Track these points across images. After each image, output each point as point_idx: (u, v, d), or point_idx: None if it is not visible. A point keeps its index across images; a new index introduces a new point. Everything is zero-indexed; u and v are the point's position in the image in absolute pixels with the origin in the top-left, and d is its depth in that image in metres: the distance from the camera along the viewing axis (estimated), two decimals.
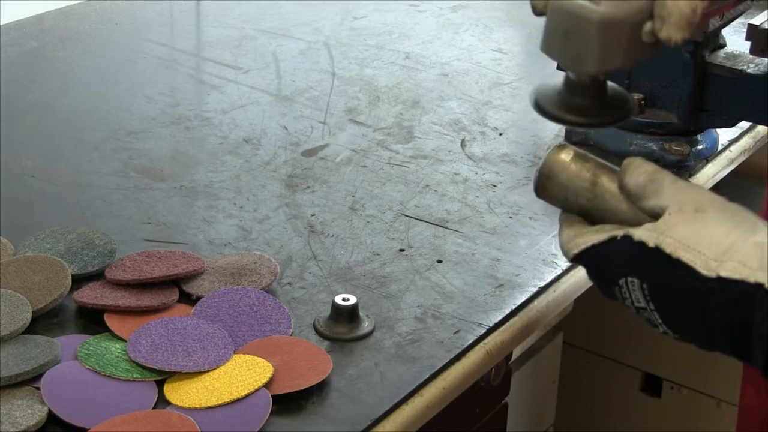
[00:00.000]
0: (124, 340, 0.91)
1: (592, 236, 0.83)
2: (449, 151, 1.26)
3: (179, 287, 0.98)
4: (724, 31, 1.18)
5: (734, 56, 1.17)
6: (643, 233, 0.79)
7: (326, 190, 1.17)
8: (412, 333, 0.95)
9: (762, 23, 1.13)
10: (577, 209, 0.87)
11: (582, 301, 1.14)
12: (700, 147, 1.22)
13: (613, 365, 1.86)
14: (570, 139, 1.24)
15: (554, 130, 1.28)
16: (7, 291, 0.94)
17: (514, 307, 0.99)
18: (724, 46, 1.18)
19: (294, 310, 0.97)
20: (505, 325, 0.97)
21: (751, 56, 1.15)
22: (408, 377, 0.90)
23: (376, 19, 1.63)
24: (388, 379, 0.90)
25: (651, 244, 0.78)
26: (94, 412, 0.84)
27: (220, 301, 0.96)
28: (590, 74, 0.85)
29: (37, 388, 0.85)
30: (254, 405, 0.85)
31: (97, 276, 0.99)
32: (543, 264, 1.05)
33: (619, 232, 0.81)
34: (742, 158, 1.29)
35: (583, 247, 0.83)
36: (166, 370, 0.88)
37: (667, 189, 0.80)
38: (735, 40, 1.19)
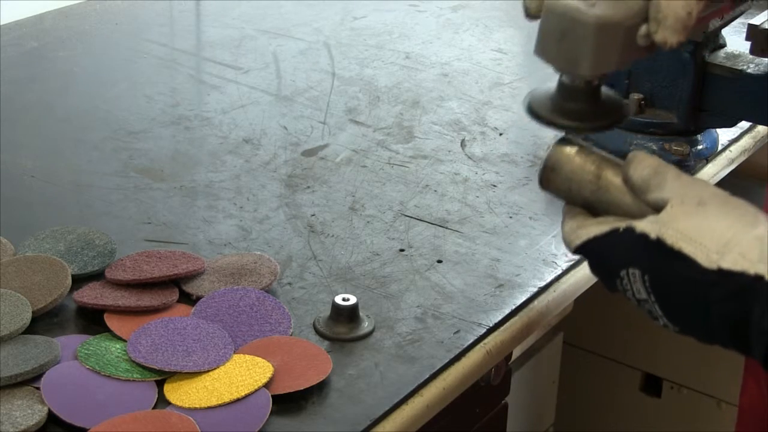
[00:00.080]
0: (124, 340, 0.91)
1: (594, 228, 0.84)
2: (449, 151, 1.26)
3: (179, 287, 0.98)
4: (724, 31, 1.18)
5: (734, 56, 1.17)
6: (645, 225, 0.80)
7: (326, 190, 1.17)
8: (412, 333, 0.95)
9: (762, 23, 1.13)
10: (580, 201, 0.87)
11: (582, 301, 1.14)
12: (700, 147, 1.22)
13: (613, 365, 1.86)
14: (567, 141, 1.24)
15: (555, 131, 1.28)
16: (7, 291, 0.94)
17: (514, 307, 0.99)
18: (724, 46, 1.18)
19: (294, 310, 0.97)
20: (505, 325, 0.98)
21: (751, 56, 1.15)
22: (408, 377, 0.90)
23: (376, 19, 1.63)
24: (388, 379, 0.90)
25: (653, 236, 0.79)
26: (94, 412, 0.84)
27: (220, 301, 0.96)
28: (585, 77, 0.85)
29: (37, 388, 0.85)
30: (254, 405, 0.85)
31: (97, 276, 0.99)
32: (543, 264, 1.05)
33: (621, 224, 0.81)
34: (742, 158, 1.29)
35: (585, 238, 0.84)
36: (166, 370, 0.88)
37: (670, 182, 0.81)
38: (735, 40, 1.19)
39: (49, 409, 0.83)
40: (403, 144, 1.27)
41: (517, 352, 1.28)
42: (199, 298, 0.97)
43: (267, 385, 0.87)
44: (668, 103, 1.18)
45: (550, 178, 0.88)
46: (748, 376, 1.33)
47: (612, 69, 0.83)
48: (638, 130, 1.19)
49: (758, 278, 0.74)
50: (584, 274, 1.04)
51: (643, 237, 0.79)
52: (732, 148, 1.28)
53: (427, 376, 0.90)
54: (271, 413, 0.85)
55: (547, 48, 0.83)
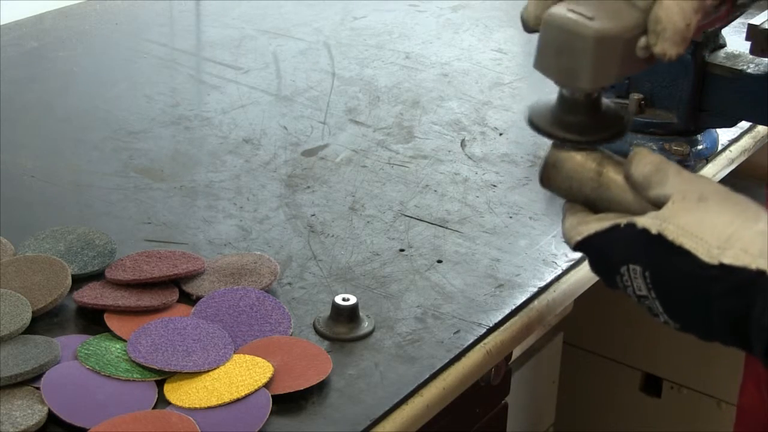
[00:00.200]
0: (124, 340, 0.91)
1: (595, 224, 0.84)
2: (449, 151, 1.26)
3: (179, 287, 0.98)
4: (724, 31, 1.18)
5: (734, 56, 1.17)
6: (646, 220, 0.80)
7: (326, 190, 1.17)
8: (412, 333, 0.95)
9: (762, 23, 1.13)
10: (581, 199, 0.87)
11: (582, 301, 1.14)
12: (700, 147, 1.22)
13: (613, 365, 1.86)
14: None
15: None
16: (7, 291, 0.94)
17: (514, 307, 0.99)
18: (724, 46, 1.18)
19: (294, 310, 0.97)
20: (505, 325, 0.98)
21: (751, 56, 1.15)
22: (408, 377, 0.90)
23: (376, 19, 1.63)
24: (388, 379, 0.90)
25: (654, 231, 0.79)
26: (94, 412, 0.84)
27: (220, 301, 0.96)
28: (585, 90, 0.84)
29: (37, 388, 0.85)
30: (254, 405, 0.85)
31: (97, 276, 0.99)
32: (543, 264, 1.05)
33: (622, 220, 0.82)
34: (742, 158, 1.29)
35: (585, 234, 0.84)
36: (166, 370, 0.88)
37: (671, 179, 0.81)
38: (735, 40, 1.19)
39: (49, 409, 0.83)
40: (403, 144, 1.27)
41: (517, 352, 1.28)
42: (199, 298, 0.97)
43: (267, 385, 0.87)
44: (668, 103, 1.18)
45: (550, 175, 0.88)
46: (747, 380, 1.33)
47: (612, 82, 0.83)
48: (638, 130, 1.19)
49: (760, 273, 0.74)
50: (584, 274, 1.04)
51: (644, 232, 0.79)
52: (732, 148, 1.28)
53: (427, 376, 0.90)
54: (271, 413, 0.85)
55: (546, 62, 0.83)
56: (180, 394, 0.86)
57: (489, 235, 1.10)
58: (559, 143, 0.88)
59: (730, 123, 1.22)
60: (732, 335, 0.77)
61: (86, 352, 0.89)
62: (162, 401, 0.86)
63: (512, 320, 0.98)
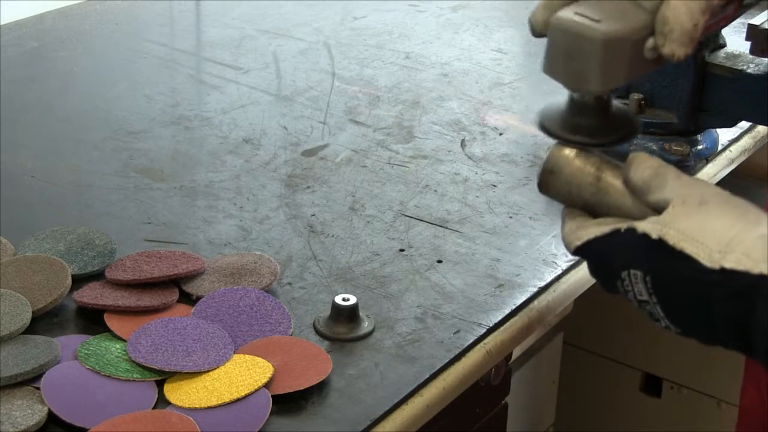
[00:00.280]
0: (124, 340, 0.91)
1: (594, 229, 0.83)
2: (449, 151, 1.26)
3: (179, 287, 0.98)
4: (724, 31, 1.18)
5: (734, 56, 1.17)
6: (647, 225, 0.79)
7: (326, 190, 1.17)
8: (412, 333, 0.95)
9: (762, 23, 1.13)
10: (580, 204, 0.87)
11: (582, 301, 1.14)
12: (700, 147, 1.22)
13: (613, 365, 1.86)
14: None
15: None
16: (7, 291, 0.94)
17: (514, 307, 0.99)
18: (724, 46, 1.18)
19: (294, 310, 0.97)
20: (505, 325, 0.98)
21: (751, 56, 1.15)
22: (408, 377, 0.90)
23: (376, 19, 1.63)
24: (388, 379, 0.90)
25: (654, 236, 0.78)
26: (94, 412, 0.84)
27: (220, 301, 0.96)
28: (594, 93, 0.84)
29: (37, 388, 0.85)
30: (254, 405, 0.85)
31: (97, 276, 0.99)
32: (543, 264, 1.05)
33: (622, 225, 0.81)
34: (742, 158, 1.29)
35: (585, 239, 0.84)
36: (166, 370, 0.88)
37: (671, 183, 0.81)
38: (735, 40, 1.19)
39: (49, 409, 0.83)
40: (403, 144, 1.27)
41: (517, 352, 1.28)
42: (199, 298, 0.97)
43: (267, 385, 0.87)
44: (668, 103, 1.18)
45: (549, 181, 0.88)
46: (747, 382, 1.33)
47: (621, 84, 0.83)
48: None
49: (762, 277, 0.74)
50: (584, 274, 1.04)
51: (645, 237, 0.79)
52: (732, 148, 1.28)
53: (427, 376, 0.90)
54: (271, 413, 0.85)
55: (555, 66, 0.83)
56: (180, 394, 0.86)
57: (489, 235, 1.10)
58: (560, 145, 0.88)
59: (730, 123, 1.22)
60: (734, 339, 0.77)
61: (86, 352, 0.89)
62: (162, 401, 0.86)
63: (512, 320, 0.98)
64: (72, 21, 1.58)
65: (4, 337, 0.89)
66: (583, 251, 0.84)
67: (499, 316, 0.98)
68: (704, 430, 1.79)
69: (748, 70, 1.14)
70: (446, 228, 1.11)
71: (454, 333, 0.95)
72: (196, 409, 0.84)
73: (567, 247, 0.86)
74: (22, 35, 1.52)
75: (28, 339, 0.90)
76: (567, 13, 0.81)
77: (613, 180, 0.85)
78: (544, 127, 0.88)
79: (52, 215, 1.10)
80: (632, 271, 0.80)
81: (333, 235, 1.09)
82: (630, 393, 1.85)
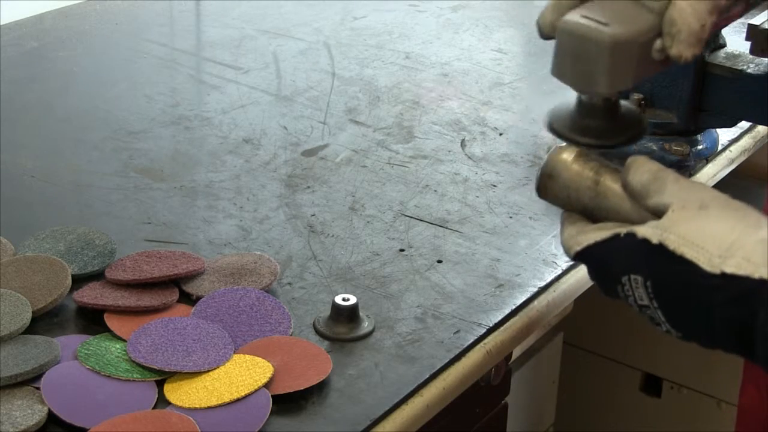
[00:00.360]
0: (124, 340, 0.91)
1: (594, 234, 0.83)
2: (449, 151, 1.26)
3: (179, 287, 0.98)
4: (724, 31, 1.18)
5: (734, 56, 1.17)
6: (647, 230, 0.79)
7: (326, 190, 1.17)
8: (412, 333, 0.95)
9: (762, 23, 1.13)
10: (579, 208, 0.87)
11: (582, 301, 1.14)
12: (700, 147, 1.22)
13: (613, 365, 1.86)
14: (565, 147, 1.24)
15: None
16: (7, 291, 0.94)
17: (514, 307, 0.99)
18: (724, 46, 1.18)
19: (294, 310, 0.97)
20: (505, 325, 0.98)
21: (751, 56, 1.15)
22: (408, 377, 0.90)
23: (376, 19, 1.63)
24: (388, 379, 0.90)
25: (654, 241, 0.78)
26: (94, 412, 0.84)
27: (220, 301, 0.96)
28: (602, 96, 0.84)
29: (37, 388, 0.85)
30: (254, 405, 0.85)
31: (97, 276, 0.99)
32: (543, 264, 1.05)
33: (622, 230, 0.81)
34: (742, 158, 1.29)
35: (585, 244, 0.83)
36: (166, 370, 0.88)
37: (670, 187, 0.80)
38: (735, 40, 1.19)
39: (49, 409, 0.83)
40: (403, 144, 1.27)
41: (517, 352, 1.28)
42: (199, 298, 0.97)
43: (267, 385, 0.87)
44: (668, 103, 1.18)
45: (548, 185, 0.88)
46: (747, 382, 1.33)
47: (629, 85, 0.83)
48: None
49: (762, 282, 0.74)
50: (584, 275, 1.04)
51: (645, 242, 0.79)
52: (732, 148, 1.28)
53: (427, 376, 0.90)
54: (271, 413, 0.85)
55: (563, 69, 0.83)
56: (180, 394, 0.86)
57: (489, 235, 1.10)
58: (559, 149, 0.88)
59: (730, 123, 1.22)
60: (735, 344, 0.77)
61: (86, 352, 0.89)
62: (162, 401, 0.86)
63: (512, 320, 0.98)
64: (72, 21, 1.58)
65: (4, 337, 0.89)
66: (583, 256, 0.84)
67: (499, 316, 0.98)
68: (704, 430, 1.79)
69: (748, 70, 1.14)
70: (446, 228, 1.11)
71: (454, 333, 0.95)
72: (196, 409, 0.84)
73: (567, 252, 0.86)
74: (22, 35, 1.52)
75: (28, 339, 0.90)
76: (574, 16, 0.81)
77: (611, 184, 0.85)
78: (553, 129, 0.88)
79: (52, 215, 1.10)
80: (633, 276, 0.80)
81: (333, 235, 1.09)
82: (630, 393, 1.85)
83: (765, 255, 0.74)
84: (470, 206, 1.15)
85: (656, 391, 1.84)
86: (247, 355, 0.90)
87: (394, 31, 1.59)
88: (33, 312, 0.92)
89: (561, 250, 1.04)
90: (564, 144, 0.89)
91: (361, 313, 0.95)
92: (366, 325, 0.95)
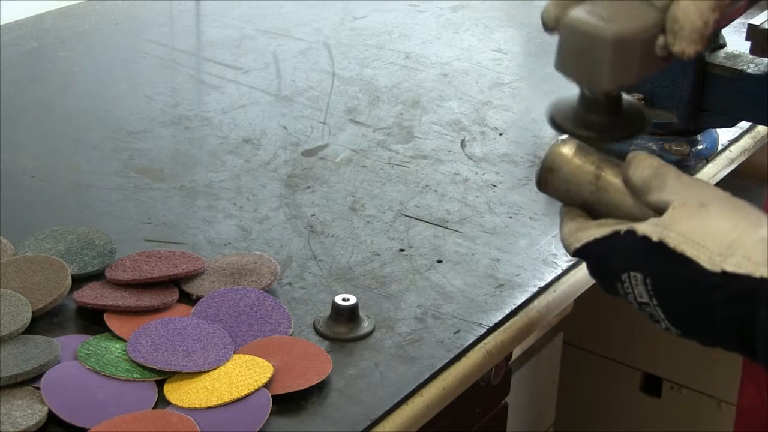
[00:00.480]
0: (124, 340, 0.91)
1: (594, 230, 0.83)
2: (449, 151, 1.26)
3: (179, 287, 0.98)
4: (724, 31, 1.18)
5: (734, 56, 1.17)
6: (647, 228, 0.79)
7: (326, 190, 1.17)
8: (412, 333, 0.95)
9: (762, 23, 1.13)
10: (579, 203, 0.87)
11: (582, 301, 1.14)
12: (700, 147, 1.22)
13: (613, 365, 1.86)
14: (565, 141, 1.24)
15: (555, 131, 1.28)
16: (7, 291, 0.94)
17: (514, 307, 0.99)
18: (724, 46, 1.18)
19: (294, 310, 0.97)
20: (505, 325, 0.98)
21: (751, 56, 1.15)
22: (408, 377, 0.90)
23: (376, 19, 1.63)
24: (388, 379, 0.90)
25: (655, 239, 0.78)
26: (94, 412, 0.84)
27: (220, 301, 0.96)
28: (604, 91, 0.85)
29: (37, 388, 0.85)
30: (254, 405, 0.85)
31: (97, 276, 0.99)
32: (543, 264, 1.05)
33: (622, 227, 0.81)
34: (742, 158, 1.29)
35: (585, 241, 0.83)
36: (166, 370, 0.88)
37: (671, 183, 0.80)
38: (735, 40, 1.19)
39: (49, 409, 0.83)
40: (403, 144, 1.27)
41: (517, 352, 1.28)
42: (199, 298, 0.97)
43: (267, 385, 0.87)
44: (668, 103, 1.18)
45: (548, 179, 0.88)
46: (746, 382, 1.33)
47: (631, 81, 0.83)
48: None
49: (763, 281, 0.74)
50: (584, 274, 1.04)
51: (645, 240, 0.79)
52: (732, 148, 1.28)
53: (427, 376, 0.90)
54: (271, 413, 0.85)
55: (566, 64, 0.83)
56: (180, 394, 0.86)
57: (489, 235, 1.10)
58: (559, 143, 0.88)
59: (730, 123, 1.22)
60: (735, 342, 0.77)
61: (86, 352, 0.89)
62: (162, 401, 0.86)
63: (512, 320, 0.98)
64: (72, 21, 1.58)
65: (4, 337, 0.89)
66: (582, 253, 0.84)
67: (499, 316, 0.98)
68: (704, 430, 1.79)
69: (748, 70, 1.14)
70: (446, 228, 1.11)
71: (454, 333, 0.95)
72: (196, 409, 0.84)
73: (566, 248, 0.86)
74: (22, 35, 1.52)
75: (28, 339, 0.90)
76: (578, 12, 0.81)
77: (612, 179, 0.85)
78: (555, 122, 0.88)
79: (52, 215, 1.10)
80: (632, 274, 0.80)
81: (333, 235, 1.09)
82: (630, 393, 1.85)
83: (765, 254, 0.74)
84: (470, 206, 1.15)
85: (656, 391, 1.84)
86: (247, 355, 0.90)
87: (394, 31, 1.59)
88: (33, 312, 0.92)
89: (561, 250, 1.05)
90: (564, 137, 0.89)
91: (361, 313, 0.95)
92: (366, 325, 0.95)
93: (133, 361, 0.88)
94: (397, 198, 1.16)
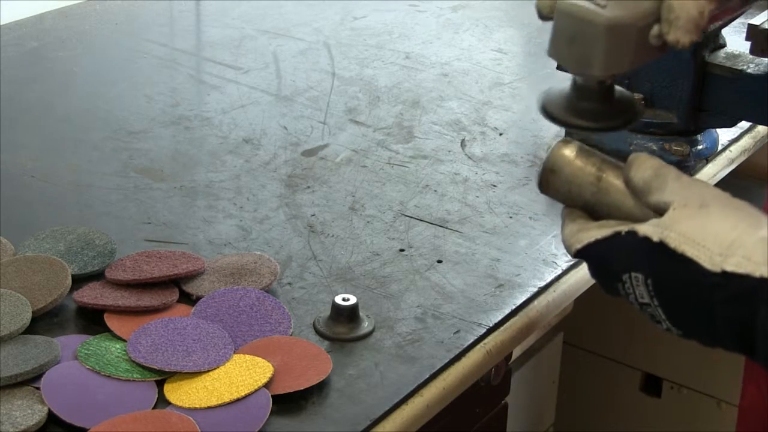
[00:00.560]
0: (124, 340, 0.91)
1: (595, 231, 0.83)
2: (449, 151, 1.26)
3: (179, 287, 0.98)
4: (724, 31, 1.18)
5: (734, 56, 1.17)
6: (648, 228, 0.79)
7: (326, 190, 1.17)
8: (412, 333, 0.95)
9: (762, 23, 1.13)
10: (581, 204, 0.87)
11: (582, 301, 1.14)
12: (700, 147, 1.22)
13: (613, 365, 1.86)
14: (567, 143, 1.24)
15: (555, 130, 1.28)
16: (7, 291, 0.94)
17: (514, 307, 0.99)
18: (724, 46, 1.18)
19: (294, 310, 0.97)
20: (505, 325, 0.98)
21: (751, 56, 1.15)
22: (408, 377, 0.90)
23: (376, 19, 1.63)
24: (388, 379, 0.90)
25: (655, 239, 0.78)
26: (94, 412, 0.84)
27: (220, 301, 0.96)
28: (597, 78, 0.84)
29: (37, 388, 0.85)
30: (254, 405, 0.85)
31: (97, 276, 0.99)
32: (543, 264, 1.05)
33: (623, 228, 0.81)
34: (742, 158, 1.29)
35: (586, 242, 0.83)
36: (166, 370, 0.88)
37: (671, 184, 0.80)
38: (735, 40, 1.19)
39: (49, 409, 0.83)
40: (403, 144, 1.27)
41: (517, 352, 1.28)
42: (199, 298, 0.97)
43: (267, 385, 0.87)
44: (668, 103, 1.18)
45: (549, 180, 0.88)
46: (748, 382, 1.33)
47: (625, 70, 0.83)
48: (638, 130, 1.19)
49: (763, 281, 0.74)
50: (584, 274, 1.04)
51: (646, 240, 0.79)
52: (732, 148, 1.28)
53: (427, 376, 0.90)
54: (271, 413, 0.85)
55: (559, 49, 0.83)
56: (180, 394, 0.86)
57: (489, 235, 1.10)
58: (561, 144, 0.88)
59: (730, 123, 1.22)
60: (735, 342, 0.77)
61: (86, 352, 0.89)
62: (162, 401, 0.86)
63: (512, 320, 0.98)
64: (72, 21, 1.58)
65: (4, 337, 0.89)
66: (584, 254, 0.84)
67: (499, 316, 0.98)
68: (704, 430, 1.79)
69: (748, 70, 1.14)
70: (446, 228, 1.11)
71: (454, 333, 0.95)
72: (196, 409, 0.84)
73: (567, 249, 0.86)
74: (22, 35, 1.52)
75: (28, 339, 0.90)
76: None
77: (614, 180, 0.85)
78: (546, 111, 0.87)
79: (52, 215, 1.10)
80: (633, 274, 0.80)
81: (333, 235, 1.09)
82: (630, 393, 1.85)
83: (765, 254, 0.74)
84: (470, 206, 1.15)
85: (656, 391, 1.84)
86: (247, 355, 0.90)
87: (394, 31, 1.59)
88: (33, 312, 0.92)
89: (561, 250, 1.05)
90: (565, 138, 0.88)
91: (361, 313, 0.95)
92: (366, 325, 0.95)
93: (133, 361, 0.88)
94: (397, 198, 1.16)
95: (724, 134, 1.28)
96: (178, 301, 0.97)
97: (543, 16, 0.84)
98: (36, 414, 0.83)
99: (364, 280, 1.02)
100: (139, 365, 0.88)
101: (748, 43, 1.14)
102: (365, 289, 1.00)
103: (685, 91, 1.17)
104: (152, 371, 0.88)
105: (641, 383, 1.85)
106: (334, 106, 1.35)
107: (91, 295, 0.96)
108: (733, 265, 0.75)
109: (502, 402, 1.10)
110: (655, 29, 0.80)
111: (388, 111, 1.35)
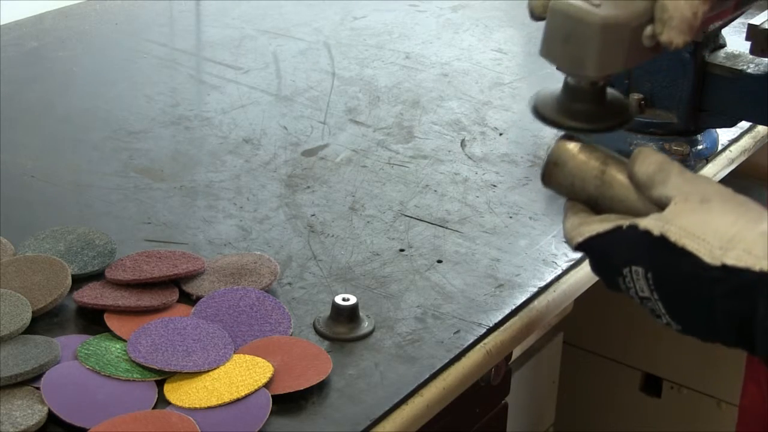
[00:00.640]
0: (124, 340, 0.91)
1: (597, 225, 0.83)
2: (449, 151, 1.26)
3: (179, 287, 0.98)
4: (724, 31, 1.18)
5: (734, 56, 1.17)
6: (649, 222, 0.79)
7: (326, 190, 1.17)
8: (412, 333, 0.95)
9: (762, 23, 1.13)
10: (584, 197, 0.87)
11: (582, 301, 1.14)
12: (700, 147, 1.22)
13: (613, 365, 1.86)
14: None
15: (554, 130, 1.28)
16: (7, 291, 0.94)
17: (514, 307, 0.99)
18: (724, 46, 1.18)
19: (294, 310, 0.97)
20: (505, 325, 0.98)
21: (751, 56, 1.15)
22: (408, 377, 0.90)
23: (376, 19, 1.63)
24: (388, 379, 0.90)
25: (656, 233, 0.79)
26: (94, 412, 0.84)
27: (220, 301, 0.96)
28: (590, 78, 0.84)
29: (37, 388, 0.85)
30: (254, 405, 0.85)
31: (97, 276, 0.99)
32: (543, 264, 1.05)
33: (624, 222, 0.81)
34: (742, 158, 1.29)
35: (587, 235, 0.84)
36: (166, 370, 0.88)
37: (674, 179, 0.81)
38: (735, 40, 1.19)
39: (49, 409, 0.83)
40: (403, 144, 1.27)
41: (517, 352, 1.28)
42: (199, 298, 0.97)
43: (267, 385, 0.87)
44: (668, 103, 1.18)
45: (553, 173, 0.88)
46: (748, 381, 1.33)
47: (618, 70, 0.83)
48: (638, 130, 1.19)
49: (763, 274, 0.74)
50: (584, 274, 1.04)
51: (647, 234, 0.79)
52: (732, 148, 1.28)
53: (427, 376, 0.90)
54: (271, 413, 0.85)
55: (552, 49, 0.83)
56: (180, 394, 0.86)
57: (489, 235, 1.10)
58: (564, 138, 0.88)
59: (730, 123, 1.22)
60: (735, 336, 0.77)
61: (86, 352, 0.89)
62: (162, 401, 0.86)
63: (512, 320, 0.98)
64: (72, 21, 1.58)
65: (4, 337, 0.89)
66: (585, 247, 0.84)
67: (499, 316, 0.98)
68: (704, 430, 1.79)
69: (748, 70, 1.14)
70: (446, 228, 1.11)
71: (454, 333, 0.95)
72: (196, 409, 0.84)
73: (569, 242, 0.86)
74: (22, 35, 1.52)
75: (28, 339, 0.90)
76: None
77: (617, 174, 0.85)
78: (538, 112, 0.87)
79: (52, 215, 1.10)
80: (634, 268, 0.80)
81: (333, 235, 1.09)
82: (630, 393, 1.85)
83: (765, 248, 0.75)
84: (470, 206, 1.15)
85: (656, 391, 1.84)
86: (247, 355, 0.90)
87: (394, 31, 1.59)
88: (33, 312, 0.92)
89: (561, 250, 1.05)
90: (568, 133, 0.88)
91: (361, 313, 0.95)
92: (366, 325, 0.95)
93: (133, 361, 0.88)
94: (397, 198, 1.16)
95: (724, 134, 1.28)
96: (178, 301, 0.97)
97: (535, 16, 0.84)
98: (36, 414, 0.83)
99: (364, 280, 1.02)
100: (139, 365, 0.88)
101: (748, 43, 1.14)
102: (365, 289, 1.00)
103: (685, 91, 1.17)
104: (152, 371, 0.88)
105: (641, 383, 1.85)
106: (334, 106, 1.35)
107: (91, 295, 0.96)
108: (733, 258, 0.75)
109: (502, 402, 1.10)
110: (648, 30, 0.80)
111: (388, 111, 1.35)
